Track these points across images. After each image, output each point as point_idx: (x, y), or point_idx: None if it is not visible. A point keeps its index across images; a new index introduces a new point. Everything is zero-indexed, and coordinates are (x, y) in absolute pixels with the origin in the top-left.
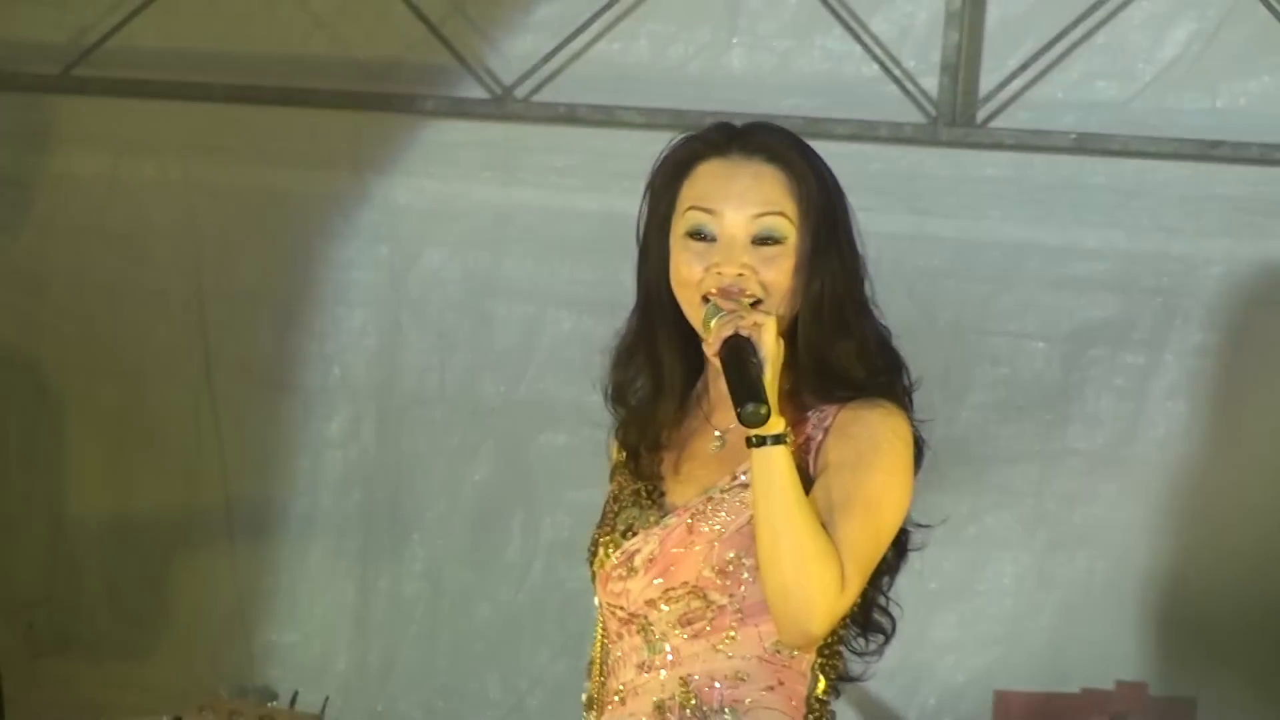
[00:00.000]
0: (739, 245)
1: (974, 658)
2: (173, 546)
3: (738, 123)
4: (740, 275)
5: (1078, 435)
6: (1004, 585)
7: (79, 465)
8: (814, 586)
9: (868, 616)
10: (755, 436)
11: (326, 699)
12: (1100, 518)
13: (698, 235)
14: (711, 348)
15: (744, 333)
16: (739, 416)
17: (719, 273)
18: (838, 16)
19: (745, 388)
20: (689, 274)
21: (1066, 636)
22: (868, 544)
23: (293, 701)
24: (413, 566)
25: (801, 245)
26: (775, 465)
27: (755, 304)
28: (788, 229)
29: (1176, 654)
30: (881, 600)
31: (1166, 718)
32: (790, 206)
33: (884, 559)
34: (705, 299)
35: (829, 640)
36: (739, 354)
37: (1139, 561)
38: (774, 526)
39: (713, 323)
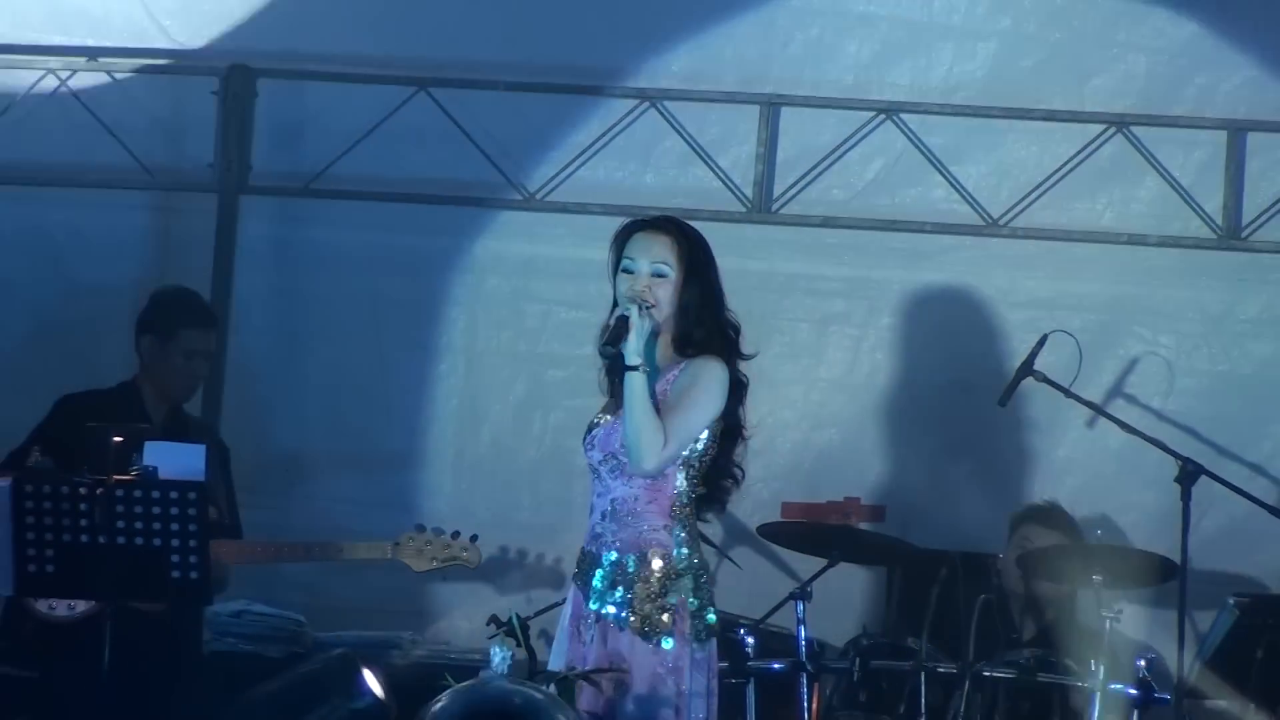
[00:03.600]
0: (644, 276)
1: (772, 485)
2: (361, 426)
3: (651, 215)
4: (645, 289)
5: (825, 370)
6: (788, 447)
7: (317, 386)
8: (647, 443)
9: (722, 470)
10: (628, 366)
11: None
12: (836, 411)
13: (626, 270)
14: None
15: (626, 315)
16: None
17: (634, 288)
18: (700, 157)
19: (611, 340)
20: (622, 290)
21: (819, 472)
22: (682, 427)
23: (473, 539)
24: (483, 438)
25: (678, 278)
26: (636, 383)
27: (649, 307)
28: (669, 270)
29: (876, 479)
30: (733, 465)
31: (870, 516)
32: (672, 258)
33: (734, 442)
34: (615, 304)
35: (690, 482)
36: (620, 324)
37: (861, 432)
38: (631, 411)
39: (617, 311)
